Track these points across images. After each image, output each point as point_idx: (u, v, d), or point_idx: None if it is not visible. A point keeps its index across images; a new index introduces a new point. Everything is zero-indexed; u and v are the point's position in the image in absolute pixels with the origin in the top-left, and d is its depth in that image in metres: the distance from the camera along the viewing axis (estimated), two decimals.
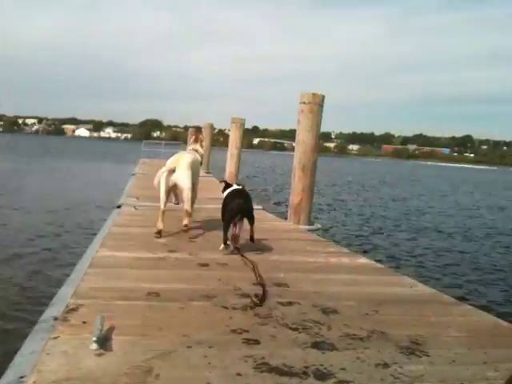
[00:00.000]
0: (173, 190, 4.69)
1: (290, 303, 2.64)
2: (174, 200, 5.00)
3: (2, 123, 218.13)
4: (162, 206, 4.47)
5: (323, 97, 5.94)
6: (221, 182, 4.40)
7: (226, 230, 3.81)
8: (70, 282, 2.93)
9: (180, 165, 4.48)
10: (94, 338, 1.90)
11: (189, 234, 4.60)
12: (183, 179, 4.47)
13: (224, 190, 4.09)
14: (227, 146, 12.40)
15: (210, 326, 2.23)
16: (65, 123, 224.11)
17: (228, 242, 3.84)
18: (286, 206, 15.36)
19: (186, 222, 4.52)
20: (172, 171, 4.46)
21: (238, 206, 3.76)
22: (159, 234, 4.37)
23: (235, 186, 4.06)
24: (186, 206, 4.55)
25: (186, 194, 4.51)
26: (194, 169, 4.69)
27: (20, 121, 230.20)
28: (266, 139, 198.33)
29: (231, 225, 3.83)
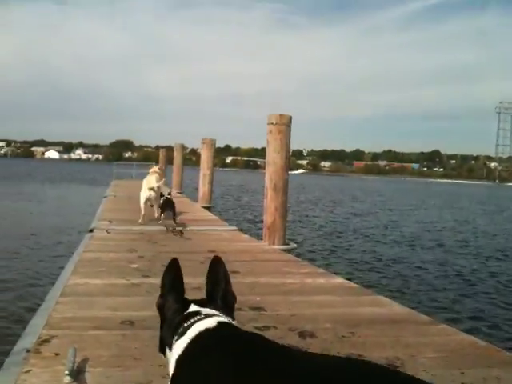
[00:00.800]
0: (149, 202, 7.24)
1: (267, 327, 2.64)
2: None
3: None
4: (143, 212, 7.10)
5: (290, 117, 6.02)
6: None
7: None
8: (41, 312, 2.86)
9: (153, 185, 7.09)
10: (67, 372, 1.86)
11: (162, 258, 4.55)
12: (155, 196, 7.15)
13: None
14: (199, 165, 12.41)
15: None
16: (34, 145, 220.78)
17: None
18: (255, 224, 15.39)
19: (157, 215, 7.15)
20: (151, 189, 7.03)
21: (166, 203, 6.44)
22: (143, 218, 7.04)
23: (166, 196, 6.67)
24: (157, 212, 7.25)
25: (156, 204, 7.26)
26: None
27: None
28: (239, 158, 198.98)
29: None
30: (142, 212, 7.00)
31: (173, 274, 1.36)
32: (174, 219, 6.69)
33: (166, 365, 1.22)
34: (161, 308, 1.34)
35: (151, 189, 6.96)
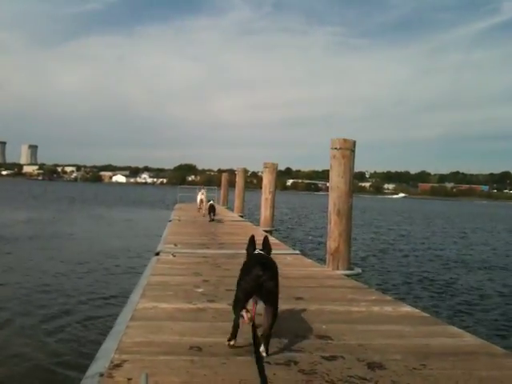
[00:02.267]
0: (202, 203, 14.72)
1: (334, 357, 2.59)
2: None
3: (42, 171, 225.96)
4: (198, 207, 15.05)
5: (354, 142, 5.96)
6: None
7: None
8: (112, 336, 2.95)
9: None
10: None
11: (226, 282, 4.60)
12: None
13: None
14: (260, 188, 12.49)
15: (254, 382, 2.20)
16: (102, 170, 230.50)
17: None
18: (313, 247, 15.23)
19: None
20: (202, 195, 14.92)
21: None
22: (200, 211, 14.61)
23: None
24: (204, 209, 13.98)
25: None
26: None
27: (59, 169, 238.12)
28: (300, 180, 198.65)
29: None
30: (198, 207, 15.14)
31: (251, 240, 2.93)
32: (214, 215, 12.45)
33: None
34: (248, 251, 2.91)
35: (202, 196, 15.10)
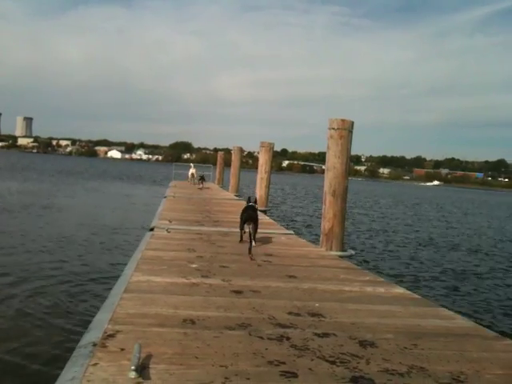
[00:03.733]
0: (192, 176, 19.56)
1: (327, 334, 2.61)
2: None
3: (37, 144, 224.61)
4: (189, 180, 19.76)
5: (352, 123, 5.93)
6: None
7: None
8: (106, 307, 2.95)
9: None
10: (133, 367, 1.91)
11: (220, 258, 4.62)
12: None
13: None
14: (256, 169, 12.46)
15: (246, 356, 2.21)
16: (97, 145, 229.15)
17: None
18: (307, 229, 15.28)
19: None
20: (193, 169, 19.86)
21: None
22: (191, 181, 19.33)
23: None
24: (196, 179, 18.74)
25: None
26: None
27: (54, 142, 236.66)
28: (295, 162, 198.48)
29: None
30: (189, 178, 19.63)
31: (249, 198, 5.75)
32: (203, 184, 16.61)
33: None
34: (247, 202, 5.70)
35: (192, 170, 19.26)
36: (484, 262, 12.90)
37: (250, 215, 5.40)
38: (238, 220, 5.71)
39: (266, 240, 6.14)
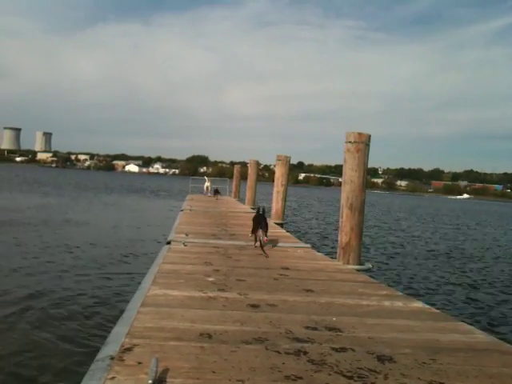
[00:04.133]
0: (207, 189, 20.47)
1: (344, 349, 2.58)
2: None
3: (55, 159, 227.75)
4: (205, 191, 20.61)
5: (369, 136, 5.92)
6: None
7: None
8: (123, 321, 2.97)
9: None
10: (150, 381, 1.92)
11: (237, 272, 4.62)
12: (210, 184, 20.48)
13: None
14: (272, 181, 12.46)
15: (263, 371, 2.21)
16: (115, 159, 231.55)
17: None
18: (323, 242, 15.20)
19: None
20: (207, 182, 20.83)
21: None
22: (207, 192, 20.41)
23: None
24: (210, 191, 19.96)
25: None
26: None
27: (73, 157, 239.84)
28: (312, 175, 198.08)
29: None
30: (205, 191, 20.38)
31: (258, 208, 6.67)
32: (217, 198, 17.18)
33: None
34: (257, 211, 6.65)
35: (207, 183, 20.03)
36: None
37: (260, 220, 6.32)
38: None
39: (283, 253, 6.13)
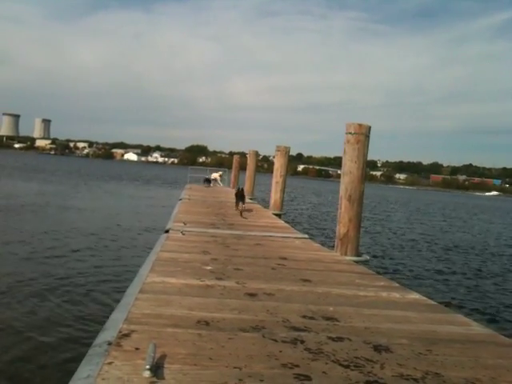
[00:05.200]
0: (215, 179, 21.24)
1: (341, 339, 2.59)
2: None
3: (54, 146, 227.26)
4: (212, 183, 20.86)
5: (369, 127, 5.91)
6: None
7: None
8: (121, 307, 2.97)
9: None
10: (148, 366, 1.92)
11: (235, 261, 4.62)
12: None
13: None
14: (271, 172, 12.45)
15: (260, 359, 2.21)
16: (114, 147, 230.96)
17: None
18: (322, 233, 15.19)
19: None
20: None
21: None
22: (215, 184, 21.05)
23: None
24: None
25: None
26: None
27: (71, 144, 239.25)
28: (311, 166, 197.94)
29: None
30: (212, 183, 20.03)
31: (237, 187, 10.88)
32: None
33: None
34: (237, 190, 10.27)
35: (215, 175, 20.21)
36: None
37: (240, 193, 9.84)
38: (253, 223, 7.16)
39: (281, 243, 6.14)
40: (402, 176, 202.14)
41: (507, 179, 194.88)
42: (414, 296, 3.88)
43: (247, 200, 10.79)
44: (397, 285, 4.34)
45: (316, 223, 19.93)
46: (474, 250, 16.40)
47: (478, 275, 11.38)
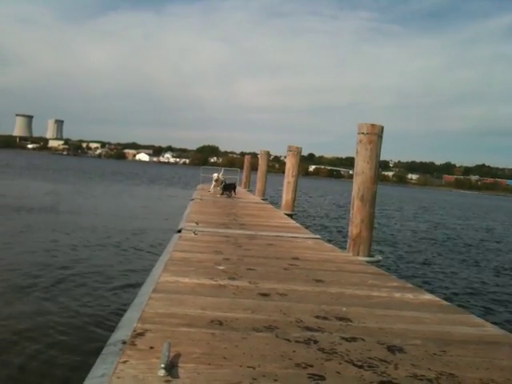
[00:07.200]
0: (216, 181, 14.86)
1: (354, 339, 2.59)
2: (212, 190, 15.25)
3: (67, 146, 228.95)
4: (212, 187, 15.01)
5: (382, 127, 5.89)
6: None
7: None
8: (135, 306, 3.00)
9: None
10: (162, 365, 1.93)
11: (247, 261, 4.63)
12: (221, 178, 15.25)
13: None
14: (282, 173, 12.45)
15: (273, 358, 2.22)
16: (126, 148, 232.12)
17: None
18: (336, 233, 15.12)
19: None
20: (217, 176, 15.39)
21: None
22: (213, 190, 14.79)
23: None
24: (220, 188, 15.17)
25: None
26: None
27: (84, 145, 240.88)
28: (322, 166, 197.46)
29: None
30: (212, 186, 14.76)
31: (227, 182, 14.51)
32: (231, 193, 14.16)
33: None
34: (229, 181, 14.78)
35: (217, 176, 14.89)
36: None
37: (229, 185, 13.66)
38: (265, 223, 7.15)
39: (293, 244, 6.14)
40: (414, 176, 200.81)
41: None
42: (428, 297, 3.86)
43: (258, 200, 10.73)
44: (410, 285, 4.32)
45: (331, 224, 19.87)
46: None
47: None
